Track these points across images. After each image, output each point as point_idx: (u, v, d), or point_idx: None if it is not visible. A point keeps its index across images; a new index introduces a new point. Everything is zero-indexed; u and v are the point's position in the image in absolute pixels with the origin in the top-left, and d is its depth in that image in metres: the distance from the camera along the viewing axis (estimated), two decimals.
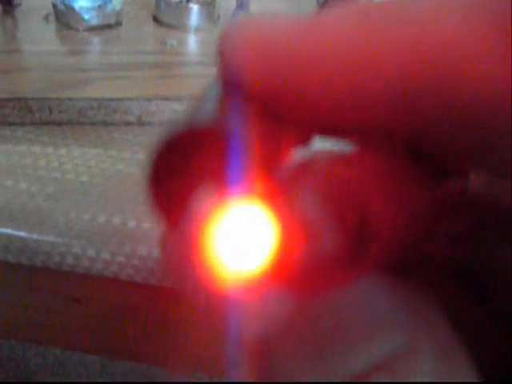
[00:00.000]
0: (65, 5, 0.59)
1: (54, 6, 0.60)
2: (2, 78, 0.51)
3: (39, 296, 0.44)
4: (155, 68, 0.54)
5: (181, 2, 0.62)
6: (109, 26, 0.60)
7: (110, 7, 0.59)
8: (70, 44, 0.57)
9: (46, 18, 0.61)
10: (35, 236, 0.41)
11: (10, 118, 0.49)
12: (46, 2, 0.61)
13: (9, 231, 0.42)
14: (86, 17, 0.58)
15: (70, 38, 0.58)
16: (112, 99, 0.49)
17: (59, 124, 0.49)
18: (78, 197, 0.43)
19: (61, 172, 0.45)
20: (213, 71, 0.50)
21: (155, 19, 0.62)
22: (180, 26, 0.61)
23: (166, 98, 0.49)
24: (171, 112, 0.49)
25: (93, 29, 0.59)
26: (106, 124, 0.49)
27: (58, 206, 0.42)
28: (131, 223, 0.41)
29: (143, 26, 0.61)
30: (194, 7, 0.61)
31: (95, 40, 0.59)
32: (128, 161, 0.46)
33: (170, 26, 0.61)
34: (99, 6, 0.59)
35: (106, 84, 0.51)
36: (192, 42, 0.60)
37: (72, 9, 0.58)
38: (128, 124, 0.49)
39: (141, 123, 0.49)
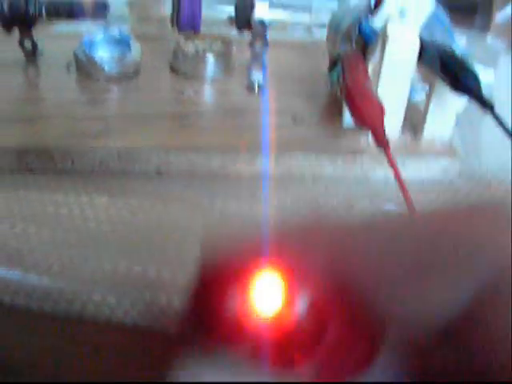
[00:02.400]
0: (86, 55, 0.61)
1: (76, 56, 0.62)
2: (25, 126, 0.53)
3: (59, 342, 0.45)
4: (173, 118, 0.56)
5: (197, 52, 0.64)
6: (128, 76, 0.62)
7: (129, 58, 0.62)
8: (90, 93, 0.60)
9: (68, 67, 0.64)
10: (58, 284, 0.42)
11: (33, 166, 0.51)
12: (68, 51, 0.64)
13: (32, 278, 0.43)
14: (106, 67, 0.60)
15: (90, 88, 0.60)
16: (131, 149, 0.50)
17: (80, 173, 0.51)
18: (99, 245, 0.44)
19: (82, 220, 0.46)
20: (227, 122, 0.51)
21: (172, 69, 0.65)
22: (197, 76, 0.63)
23: (184, 149, 0.51)
24: (188, 162, 0.51)
25: (112, 78, 0.61)
26: (126, 173, 0.51)
27: (80, 254, 0.44)
28: (151, 272, 0.42)
29: (161, 76, 0.63)
30: (211, 58, 0.63)
31: (115, 89, 0.61)
32: (148, 210, 0.47)
33: (186, 76, 0.63)
34: (119, 57, 0.61)
35: (125, 134, 0.53)
36: (208, 92, 0.62)
37: (93, 59, 0.61)
38: (147, 174, 0.51)
39: (159, 173, 0.51)
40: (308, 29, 0.70)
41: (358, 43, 0.55)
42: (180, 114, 0.57)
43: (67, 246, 0.44)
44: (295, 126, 0.56)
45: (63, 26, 0.70)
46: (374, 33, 0.53)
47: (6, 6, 0.59)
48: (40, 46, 0.65)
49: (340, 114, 0.57)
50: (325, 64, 0.63)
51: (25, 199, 0.48)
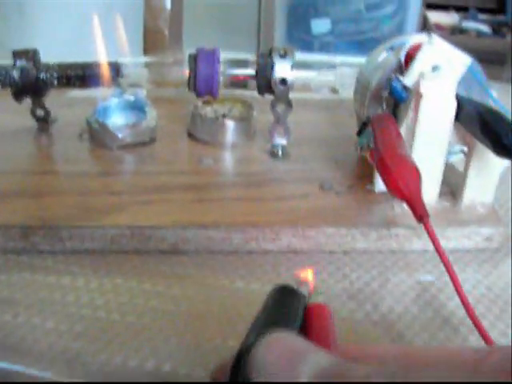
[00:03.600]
0: (99, 123, 0.58)
1: (88, 123, 0.59)
2: (33, 202, 0.50)
3: None
4: (191, 190, 0.52)
5: (216, 118, 0.60)
6: (143, 144, 0.58)
7: (144, 125, 0.58)
8: (103, 164, 0.56)
9: (81, 136, 0.60)
10: (63, 379, 0.38)
11: (40, 246, 0.47)
12: (82, 118, 0.61)
13: (35, 372, 0.39)
14: (120, 135, 0.57)
15: (103, 158, 0.57)
16: (146, 227, 0.46)
17: (91, 253, 0.47)
18: (108, 337, 0.40)
19: (91, 309, 0.42)
20: (249, 193, 0.46)
21: (190, 135, 0.61)
22: (216, 143, 0.59)
23: (203, 226, 0.47)
24: (207, 240, 0.47)
25: (127, 147, 0.58)
26: (140, 253, 0.47)
27: (87, 346, 0.39)
28: (166, 367, 0.38)
29: (178, 143, 0.60)
30: (230, 123, 0.59)
31: (129, 159, 0.57)
32: (162, 296, 0.43)
33: (205, 143, 0.60)
34: (133, 124, 0.58)
35: (139, 209, 0.49)
36: (228, 160, 0.58)
37: (106, 127, 0.57)
38: (162, 253, 0.47)
39: (176, 252, 0.47)
40: (333, 88, 0.66)
41: (388, 103, 0.51)
42: (198, 185, 0.53)
43: (74, 336, 0.40)
44: (323, 194, 0.52)
45: (77, 92, 0.67)
46: (406, 91, 0.49)
47: (16, 75, 0.56)
48: (53, 113, 0.62)
49: (370, 178, 0.52)
50: (352, 125, 0.59)
51: (29, 284, 0.44)
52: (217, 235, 0.46)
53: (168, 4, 0.98)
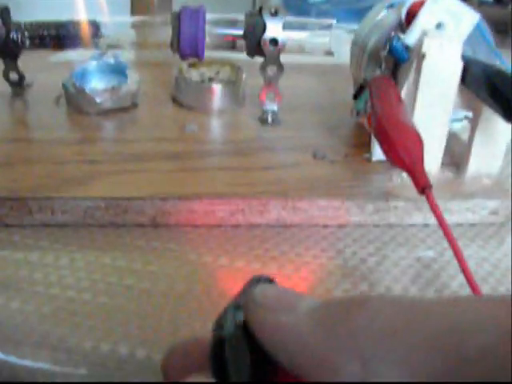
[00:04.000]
0: (76, 87, 0.54)
1: (65, 88, 0.55)
2: (1, 172, 0.46)
3: None
4: (172, 159, 0.48)
5: (202, 81, 0.56)
6: (123, 109, 0.54)
7: (124, 89, 0.54)
8: (80, 131, 0.52)
9: (57, 101, 0.56)
10: (27, 364, 0.35)
11: (7, 219, 0.43)
12: (58, 82, 0.56)
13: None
14: (99, 100, 0.53)
15: (80, 124, 0.53)
16: (122, 198, 0.42)
17: (62, 226, 0.43)
18: (78, 319, 0.36)
19: (60, 288, 0.38)
20: (236, 162, 0.41)
21: (174, 100, 0.57)
22: (201, 108, 0.55)
23: (184, 197, 0.43)
24: (189, 212, 0.43)
25: (106, 112, 0.54)
26: (115, 226, 0.43)
27: (55, 329, 0.36)
28: (140, 353, 0.34)
29: (161, 109, 0.56)
30: (217, 87, 0.55)
31: (108, 125, 0.53)
32: (139, 274, 0.39)
33: (190, 108, 0.55)
34: (113, 88, 0.54)
35: (116, 179, 0.45)
36: (214, 126, 0.54)
37: (83, 91, 0.53)
38: (140, 226, 0.43)
39: (155, 225, 0.43)
40: (327, 51, 0.62)
41: (387, 64, 0.47)
42: (181, 153, 0.49)
43: (41, 318, 0.36)
44: (316, 163, 0.48)
45: (54, 55, 0.63)
46: (408, 51, 0.45)
47: None
48: (28, 77, 0.58)
49: (367, 147, 0.48)
50: (348, 90, 0.55)
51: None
52: (199, 207, 0.43)
53: None
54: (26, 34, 0.53)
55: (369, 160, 0.48)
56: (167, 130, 0.52)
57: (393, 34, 0.46)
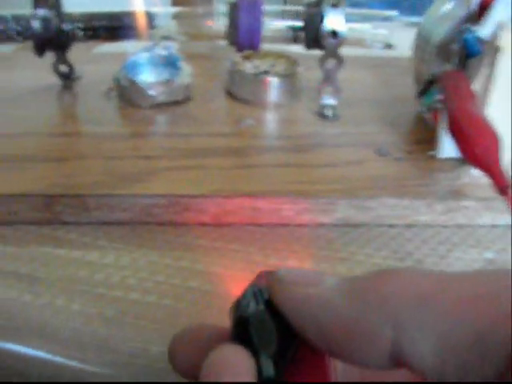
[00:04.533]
0: (128, 80, 0.52)
1: (116, 80, 0.53)
2: (56, 167, 0.44)
3: None
4: (230, 155, 0.46)
5: (257, 74, 0.54)
6: (176, 103, 0.53)
7: (177, 82, 0.52)
8: (132, 125, 0.50)
9: (108, 93, 0.55)
10: (89, 368, 0.33)
11: (63, 216, 0.42)
12: (109, 74, 0.55)
13: (58, 360, 0.34)
14: (152, 93, 0.51)
15: (133, 117, 0.51)
16: (183, 196, 0.41)
17: (120, 224, 0.42)
18: (143, 322, 0.35)
19: (123, 289, 0.37)
20: (297, 158, 0.39)
21: (228, 93, 0.55)
22: (257, 102, 0.54)
23: (248, 195, 0.41)
24: (253, 211, 0.41)
25: (159, 106, 0.52)
26: (175, 225, 0.41)
27: (119, 333, 0.34)
28: None
29: (215, 102, 0.54)
30: (273, 80, 0.53)
31: (161, 119, 0.51)
32: (202, 275, 0.37)
33: (245, 102, 0.54)
34: (166, 81, 0.52)
35: (174, 176, 0.43)
36: (271, 121, 0.52)
37: (136, 84, 0.52)
38: (202, 225, 0.41)
39: (217, 224, 0.41)
40: (387, 44, 0.60)
41: (458, 58, 0.45)
42: (239, 149, 0.47)
43: (104, 321, 0.35)
44: (380, 160, 0.46)
45: (104, 46, 0.61)
46: (481, 44, 0.42)
47: (37, 26, 0.51)
48: (77, 69, 0.57)
49: (430, 143, 0.46)
50: (408, 84, 0.53)
51: (53, 259, 0.39)
52: (264, 205, 0.41)
53: None
54: (79, 25, 0.51)
55: (435, 157, 0.46)
56: (222, 124, 0.51)
57: (464, 26, 0.44)
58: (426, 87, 0.45)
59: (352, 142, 0.49)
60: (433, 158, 0.46)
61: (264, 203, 0.41)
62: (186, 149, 0.46)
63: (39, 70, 0.56)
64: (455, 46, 0.44)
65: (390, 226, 0.43)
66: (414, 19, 0.52)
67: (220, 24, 0.52)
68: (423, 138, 0.49)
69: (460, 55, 0.45)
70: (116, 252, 0.39)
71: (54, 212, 0.41)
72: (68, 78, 0.57)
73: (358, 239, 0.41)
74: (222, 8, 0.54)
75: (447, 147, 0.45)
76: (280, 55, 0.57)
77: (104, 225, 0.42)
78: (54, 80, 0.56)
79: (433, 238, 0.42)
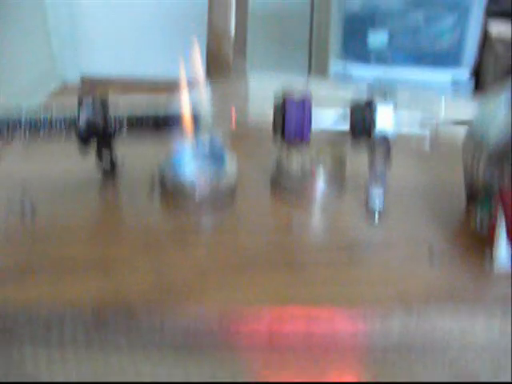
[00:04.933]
0: (172, 178, 0.52)
1: (161, 176, 0.53)
2: (104, 276, 0.44)
3: None
4: (281, 261, 0.45)
5: (304, 168, 0.54)
6: (222, 200, 0.52)
7: (223, 180, 0.52)
8: (178, 226, 0.50)
9: (151, 189, 0.54)
10: None
11: (111, 329, 0.41)
12: (152, 165, 0.55)
13: None
14: (198, 192, 0.51)
15: (178, 217, 0.51)
16: (235, 315, 0.40)
17: (172, 337, 0.41)
18: None
19: None
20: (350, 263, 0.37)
21: (274, 187, 0.54)
22: (304, 197, 0.53)
23: (303, 304, 0.40)
24: (308, 319, 0.40)
25: (205, 204, 0.51)
26: (230, 344, 0.40)
27: None
28: None
29: (261, 198, 0.53)
30: (320, 174, 0.52)
31: (208, 219, 0.51)
32: None
33: (292, 196, 0.53)
34: (212, 180, 0.51)
35: (225, 287, 0.42)
36: (320, 220, 0.51)
37: (180, 184, 0.51)
38: (256, 335, 0.40)
39: (271, 333, 0.40)
40: (435, 137, 0.59)
41: None
42: (288, 254, 0.46)
43: None
44: (433, 263, 0.45)
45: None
46: None
47: (82, 122, 0.50)
48: (119, 159, 0.56)
49: (484, 245, 0.45)
50: (451, 174, 0.52)
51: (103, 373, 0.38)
52: (320, 315, 0.40)
53: (232, 27, 0.92)
54: (124, 125, 0.51)
55: (491, 265, 0.45)
56: (270, 224, 0.50)
57: None
58: (482, 198, 0.44)
59: (403, 242, 0.48)
60: (488, 264, 0.45)
61: (319, 312, 0.40)
62: (236, 262, 0.45)
63: (81, 162, 0.56)
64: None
65: (446, 342, 0.41)
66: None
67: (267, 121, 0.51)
68: (475, 238, 0.48)
69: None
70: (169, 375, 0.38)
71: (102, 322, 0.41)
72: (111, 171, 0.56)
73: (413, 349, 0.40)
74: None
75: (504, 259, 0.44)
76: (327, 150, 0.56)
77: (155, 338, 0.41)
78: (97, 172, 0.56)
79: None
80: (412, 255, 0.46)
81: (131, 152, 0.58)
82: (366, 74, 2.15)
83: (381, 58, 2.15)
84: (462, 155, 0.51)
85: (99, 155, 0.55)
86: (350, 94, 0.53)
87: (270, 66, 2.88)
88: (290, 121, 0.49)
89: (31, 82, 2.86)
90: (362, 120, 0.49)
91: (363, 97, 0.51)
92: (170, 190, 0.52)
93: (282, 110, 0.50)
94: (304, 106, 0.50)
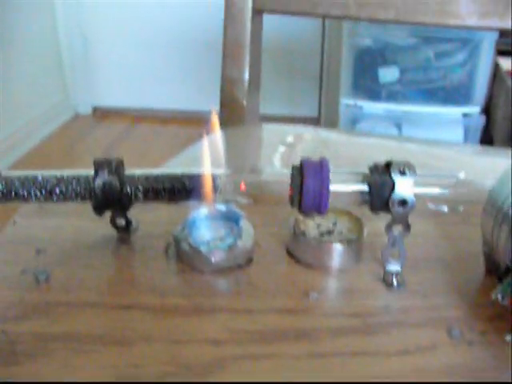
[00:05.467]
0: (188, 243, 0.51)
1: (176, 241, 0.52)
2: (120, 353, 0.43)
3: None
4: (300, 338, 0.44)
5: (321, 236, 0.53)
6: (239, 266, 0.52)
7: (239, 246, 0.51)
8: (194, 295, 0.49)
9: (166, 251, 0.54)
10: None
11: None
12: (167, 226, 0.54)
13: None
14: (214, 259, 0.50)
15: (194, 285, 0.50)
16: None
17: None
18: None
19: None
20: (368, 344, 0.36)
21: (290, 254, 0.54)
22: (321, 267, 0.52)
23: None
24: None
25: (220, 271, 0.51)
26: None
27: None
28: None
29: (278, 266, 0.53)
30: (337, 246, 0.52)
31: (223, 287, 0.50)
32: None
33: (308, 265, 0.52)
34: (229, 247, 0.51)
35: (244, 367, 0.42)
36: (336, 292, 0.51)
37: (196, 250, 0.51)
38: None
39: None
40: (453, 208, 0.59)
41: None
42: (306, 331, 0.45)
43: None
44: (453, 344, 0.44)
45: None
46: None
47: (97, 188, 0.50)
48: (134, 220, 0.56)
49: (506, 321, 0.45)
50: (476, 241, 0.51)
51: None
52: None
53: (246, 75, 0.92)
54: (140, 187, 0.51)
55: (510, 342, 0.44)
56: (287, 296, 0.49)
57: None
58: (500, 271, 0.44)
59: (422, 320, 0.47)
60: (509, 343, 0.44)
61: None
62: (253, 331, 0.45)
63: (96, 221, 0.55)
64: None
65: None
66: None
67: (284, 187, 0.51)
68: (496, 313, 0.47)
69: None
70: None
71: None
72: (125, 232, 0.56)
73: None
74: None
75: None
76: (343, 212, 0.56)
77: None
78: (111, 231, 0.56)
79: None
80: (430, 337, 0.45)
81: (147, 214, 0.58)
82: (376, 109, 2.16)
83: (391, 94, 2.15)
84: (481, 223, 0.50)
85: (113, 221, 0.55)
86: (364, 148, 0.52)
87: (281, 101, 2.89)
88: (308, 193, 0.49)
89: (45, 112, 2.88)
90: (380, 185, 0.49)
91: (381, 160, 0.51)
92: (185, 254, 0.52)
93: (299, 181, 0.49)
94: (322, 171, 0.49)
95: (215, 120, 0.57)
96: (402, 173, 0.49)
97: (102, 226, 0.56)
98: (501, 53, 2.18)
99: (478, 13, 0.96)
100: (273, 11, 0.94)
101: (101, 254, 0.54)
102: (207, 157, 0.52)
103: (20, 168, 2.52)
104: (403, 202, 0.49)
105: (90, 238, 0.57)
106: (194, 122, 2.70)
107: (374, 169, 0.50)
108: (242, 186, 0.52)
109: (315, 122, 2.89)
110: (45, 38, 2.89)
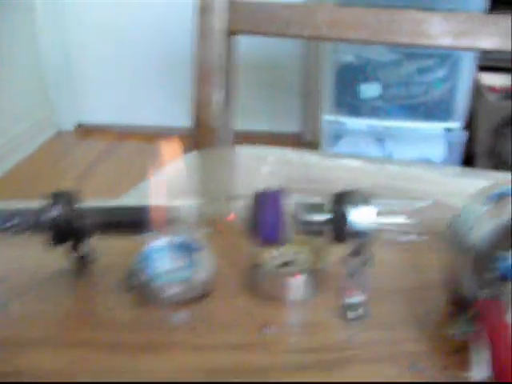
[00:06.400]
0: (144, 275, 0.50)
1: (132, 273, 0.51)
2: None
3: None
4: (256, 376, 0.43)
5: (279, 267, 0.52)
6: (195, 299, 0.50)
7: (196, 280, 0.50)
8: (148, 330, 0.48)
9: (124, 282, 0.53)
10: None
11: None
12: (125, 258, 0.53)
13: None
14: (169, 292, 0.49)
15: (148, 319, 0.49)
16: None
17: None
18: None
19: None
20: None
21: (249, 288, 0.53)
22: (279, 299, 0.51)
23: None
24: None
25: (176, 304, 0.50)
26: None
27: None
28: None
29: (235, 299, 0.51)
30: (293, 278, 0.51)
31: (177, 318, 0.49)
32: None
33: (266, 298, 0.51)
34: (186, 279, 0.50)
35: None
36: (294, 327, 0.49)
37: (152, 283, 0.50)
38: None
39: None
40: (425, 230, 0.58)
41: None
42: (261, 369, 0.44)
43: None
44: (414, 379, 0.43)
45: None
46: None
47: (52, 221, 0.49)
48: (93, 251, 0.55)
49: (468, 362, 0.44)
50: (435, 268, 0.50)
51: None
52: None
53: (217, 97, 0.91)
54: (95, 220, 0.50)
55: (469, 378, 0.43)
56: (243, 330, 0.48)
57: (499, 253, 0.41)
58: (459, 305, 0.43)
59: (382, 355, 0.46)
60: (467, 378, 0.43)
61: None
62: (206, 369, 0.44)
63: (53, 252, 0.54)
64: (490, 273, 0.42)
65: None
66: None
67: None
68: (458, 347, 0.46)
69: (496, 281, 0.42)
70: None
71: None
72: (83, 263, 0.55)
73: None
74: None
75: (481, 372, 0.42)
76: (303, 243, 0.54)
77: None
78: (71, 262, 0.54)
79: None
80: (392, 373, 0.44)
81: (108, 243, 0.57)
82: (359, 125, 2.15)
83: (374, 110, 2.15)
84: (446, 248, 0.49)
85: (71, 252, 0.53)
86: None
87: (264, 118, 2.89)
88: (264, 225, 0.48)
89: (27, 129, 2.86)
90: (336, 216, 0.48)
91: (345, 189, 0.50)
92: (141, 287, 0.50)
93: (256, 205, 0.48)
94: (277, 200, 0.48)
95: (176, 146, 0.56)
96: (360, 203, 0.48)
97: (62, 257, 0.55)
98: (482, 68, 2.18)
99: (453, 33, 0.95)
100: (244, 32, 0.94)
101: (58, 286, 0.53)
102: (163, 188, 0.51)
103: (2, 186, 2.50)
104: (363, 234, 0.48)
105: (49, 268, 0.55)
106: (180, 139, 2.69)
107: (336, 199, 0.49)
108: (231, 216, 0.51)
109: (298, 138, 2.88)
110: (27, 54, 2.88)
